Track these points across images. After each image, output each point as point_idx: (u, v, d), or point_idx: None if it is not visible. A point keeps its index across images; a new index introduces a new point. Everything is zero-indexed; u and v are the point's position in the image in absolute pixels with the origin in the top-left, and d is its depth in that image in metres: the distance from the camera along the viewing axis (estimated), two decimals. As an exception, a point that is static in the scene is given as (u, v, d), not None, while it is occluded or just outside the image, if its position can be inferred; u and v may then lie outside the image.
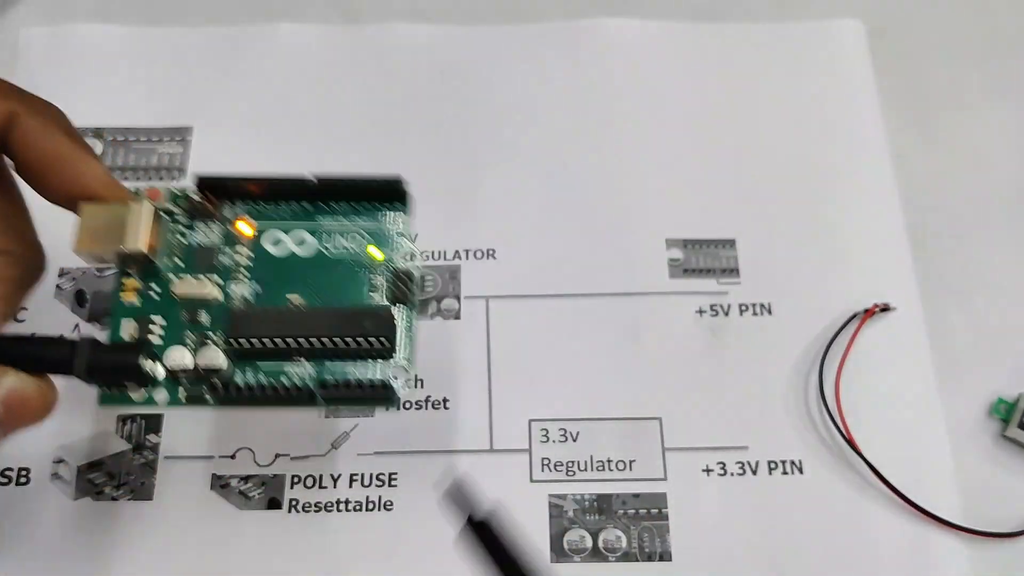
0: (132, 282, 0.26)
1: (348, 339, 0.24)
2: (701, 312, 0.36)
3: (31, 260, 0.25)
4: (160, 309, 0.26)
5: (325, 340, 0.24)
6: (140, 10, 0.42)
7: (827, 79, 0.41)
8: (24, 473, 0.32)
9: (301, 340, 0.24)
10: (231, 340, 0.24)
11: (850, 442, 0.33)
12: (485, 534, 0.24)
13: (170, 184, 0.27)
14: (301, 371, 0.25)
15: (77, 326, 0.35)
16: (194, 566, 0.32)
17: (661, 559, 0.32)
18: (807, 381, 0.35)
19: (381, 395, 0.25)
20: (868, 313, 0.35)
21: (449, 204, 0.38)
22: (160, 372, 0.25)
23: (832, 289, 0.36)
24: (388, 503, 0.33)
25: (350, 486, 0.33)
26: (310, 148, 0.39)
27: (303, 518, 0.32)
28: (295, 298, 0.26)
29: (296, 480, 0.33)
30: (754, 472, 0.33)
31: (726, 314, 0.36)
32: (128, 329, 0.25)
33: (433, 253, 0.37)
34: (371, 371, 0.25)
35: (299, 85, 0.40)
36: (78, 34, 0.41)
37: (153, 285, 0.26)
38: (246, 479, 0.33)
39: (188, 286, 0.26)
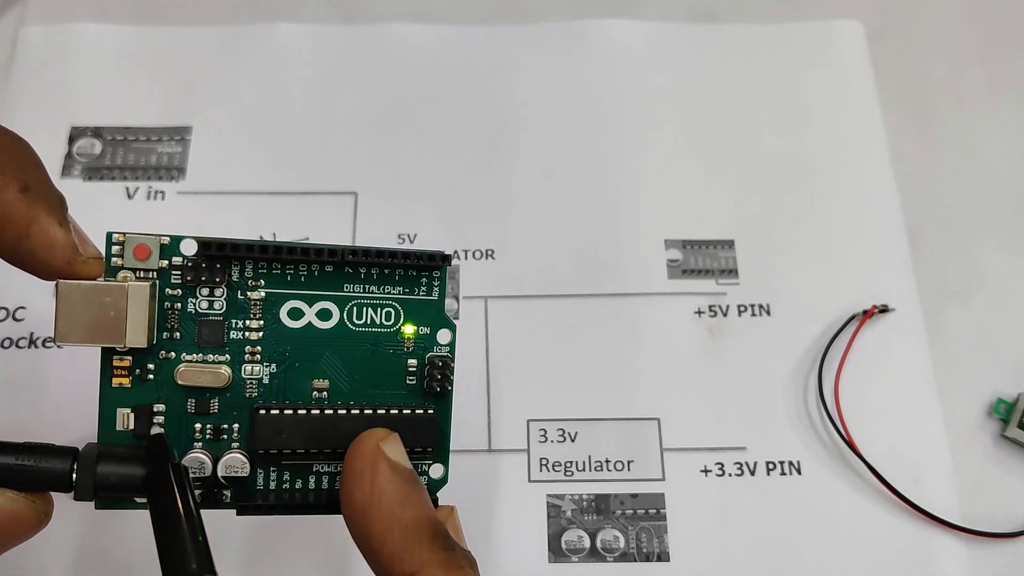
0: (122, 361, 0.22)
1: None
2: (700, 313, 0.36)
3: None
4: (159, 396, 0.22)
5: None
6: (140, 10, 0.42)
7: (827, 80, 0.41)
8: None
9: (337, 449, 0.22)
10: (255, 451, 0.22)
11: (849, 443, 0.33)
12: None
13: (160, 235, 0.22)
14: (331, 469, 0.23)
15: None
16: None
17: (659, 559, 0.32)
18: (806, 382, 0.35)
19: None
20: (867, 314, 0.35)
21: (448, 204, 0.38)
22: None
23: (831, 290, 0.36)
24: (386, 503, 0.32)
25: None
26: (309, 148, 0.39)
27: (301, 517, 0.32)
28: (321, 384, 0.23)
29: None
30: (752, 473, 0.33)
31: (725, 315, 0.36)
32: (124, 421, 0.22)
33: (432, 253, 0.37)
34: None
35: (298, 85, 0.40)
36: (78, 34, 0.41)
37: (148, 365, 0.22)
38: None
39: (196, 374, 0.22)
